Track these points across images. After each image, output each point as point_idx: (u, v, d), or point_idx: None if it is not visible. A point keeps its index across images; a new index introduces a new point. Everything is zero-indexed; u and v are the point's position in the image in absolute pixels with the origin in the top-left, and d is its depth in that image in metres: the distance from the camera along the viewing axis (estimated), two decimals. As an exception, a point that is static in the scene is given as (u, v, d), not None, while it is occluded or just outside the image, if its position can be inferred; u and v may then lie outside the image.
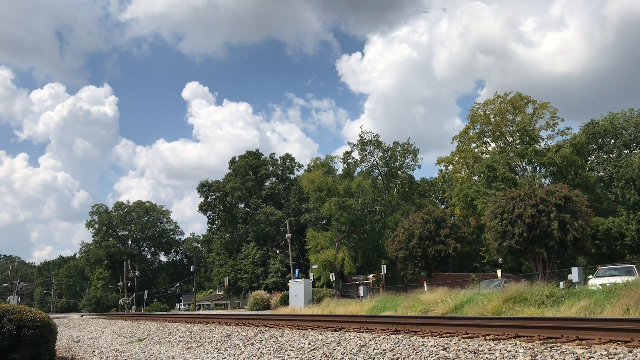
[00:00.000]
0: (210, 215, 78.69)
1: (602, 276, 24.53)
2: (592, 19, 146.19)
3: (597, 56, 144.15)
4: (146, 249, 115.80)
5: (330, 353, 10.05)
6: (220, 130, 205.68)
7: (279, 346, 11.80)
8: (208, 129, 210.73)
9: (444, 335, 9.84)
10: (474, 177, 56.13)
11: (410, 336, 10.15)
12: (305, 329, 13.71)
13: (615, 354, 6.73)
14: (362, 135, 60.95)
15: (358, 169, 63.72)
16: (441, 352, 8.36)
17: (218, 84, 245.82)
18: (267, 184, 75.34)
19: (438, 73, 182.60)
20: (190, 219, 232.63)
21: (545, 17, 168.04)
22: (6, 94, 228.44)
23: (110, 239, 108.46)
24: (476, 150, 57.96)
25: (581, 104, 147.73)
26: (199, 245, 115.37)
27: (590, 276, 27.85)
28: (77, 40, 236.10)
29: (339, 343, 10.67)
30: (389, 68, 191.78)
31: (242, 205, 76.58)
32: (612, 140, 55.57)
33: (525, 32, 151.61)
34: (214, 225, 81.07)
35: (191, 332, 18.12)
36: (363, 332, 11.74)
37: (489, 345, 8.20)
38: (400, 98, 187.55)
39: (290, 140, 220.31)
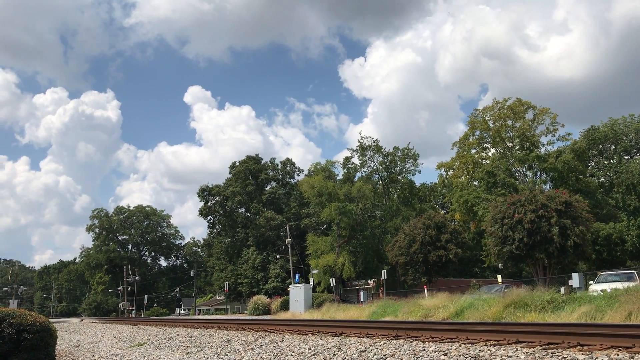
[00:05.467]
0: (210, 219, 78.67)
1: (602, 282, 24.52)
2: (596, 24, 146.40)
3: (601, 61, 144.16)
4: (146, 253, 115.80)
5: (330, 358, 10.03)
6: (223, 135, 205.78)
7: (279, 351, 11.78)
8: (211, 133, 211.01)
9: (444, 340, 9.83)
10: (474, 183, 56.15)
11: (411, 341, 10.14)
12: (305, 334, 13.69)
13: (616, 360, 6.72)
14: (361, 140, 61.11)
15: (358, 174, 63.82)
16: (442, 357, 8.35)
17: (221, 88, 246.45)
18: (267, 188, 75.33)
19: (442, 78, 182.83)
20: (192, 224, 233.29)
21: (549, 21, 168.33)
22: (12, 98, 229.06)
23: (111, 243, 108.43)
24: (476, 156, 58.04)
25: (583, 108, 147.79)
26: (199, 249, 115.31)
27: (591, 282, 27.85)
28: (81, 44, 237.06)
29: (340, 348, 10.65)
30: (392, 73, 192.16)
31: (243, 209, 76.57)
32: (613, 146, 55.62)
33: (530, 36, 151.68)
34: (215, 230, 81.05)
35: (191, 337, 18.09)
36: (363, 337, 11.73)
37: (490, 350, 8.18)
38: (403, 103, 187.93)
39: (293, 144, 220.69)
